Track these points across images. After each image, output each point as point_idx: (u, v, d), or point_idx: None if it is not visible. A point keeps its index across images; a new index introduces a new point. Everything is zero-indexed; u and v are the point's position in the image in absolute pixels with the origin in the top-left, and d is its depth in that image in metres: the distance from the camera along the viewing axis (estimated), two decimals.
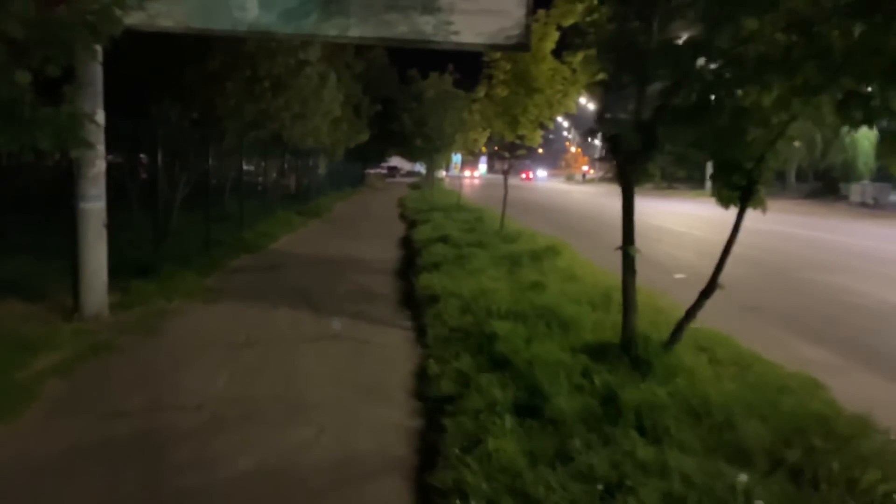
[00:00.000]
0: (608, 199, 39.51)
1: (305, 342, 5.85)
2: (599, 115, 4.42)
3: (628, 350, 4.47)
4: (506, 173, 12.65)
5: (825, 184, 45.74)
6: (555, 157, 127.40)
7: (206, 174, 11.12)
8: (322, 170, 25.17)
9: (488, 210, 18.58)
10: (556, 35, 10.61)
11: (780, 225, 21.30)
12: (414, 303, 7.29)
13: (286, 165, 18.15)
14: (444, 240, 11.04)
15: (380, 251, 12.13)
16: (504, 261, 8.84)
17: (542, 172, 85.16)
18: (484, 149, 59.29)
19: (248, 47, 11.38)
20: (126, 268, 7.94)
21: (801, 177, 53.06)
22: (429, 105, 32.15)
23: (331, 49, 18.91)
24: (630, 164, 4.48)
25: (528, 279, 7.32)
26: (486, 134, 18.72)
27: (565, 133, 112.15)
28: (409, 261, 10.58)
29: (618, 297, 6.70)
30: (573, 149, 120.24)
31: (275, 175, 17.95)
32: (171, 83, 10.67)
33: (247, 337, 5.94)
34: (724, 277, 4.51)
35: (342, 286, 8.52)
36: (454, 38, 6.60)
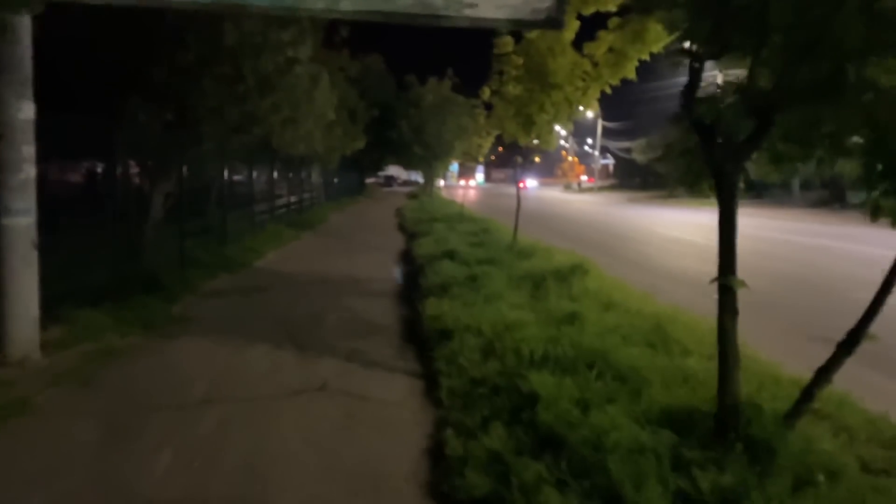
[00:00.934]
0: (611, 208, 38.30)
1: (284, 398, 4.53)
2: (687, 95, 3.16)
3: (730, 424, 3.16)
4: (518, 184, 11.35)
5: (832, 192, 44.60)
6: (550, 166, 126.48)
7: (181, 183, 9.82)
8: (316, 179, 23.87)
9: (493, 221, 17.29)
10: (576, 24, 9.39)
11: (803, 236, 20.08)
12: (421, 337, 5.98)
13: (276, 174, 16.85)
14: (451, 255, 9.74)
15: (378, 268, 10.82)
16: (524, 282, 7.54)
17: (531, 181, 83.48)
18: (481, 157, 57.78)
19: (228, 40, 10.10)
20: (79, 294, 6.63)
21: (805, 185, 52.02)
22: (427, 111, 30.96)
23: (325, 52, 17.70)
24: (732, 162, 3.18)
25: (559, 308, 6.01)
26: (490, 139, 17.52)
27: (562, 142, 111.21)
28: (412, 280, 9.28)
29: (673, 330, 5.42)
30: (570, 158, 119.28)
31: (264, 184, 16.66)
32: (140, 79, 9.40)
33: (208, 390, 4.62)
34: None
35: (333, 314, 7.20)
36: (469, 13, 5.31)
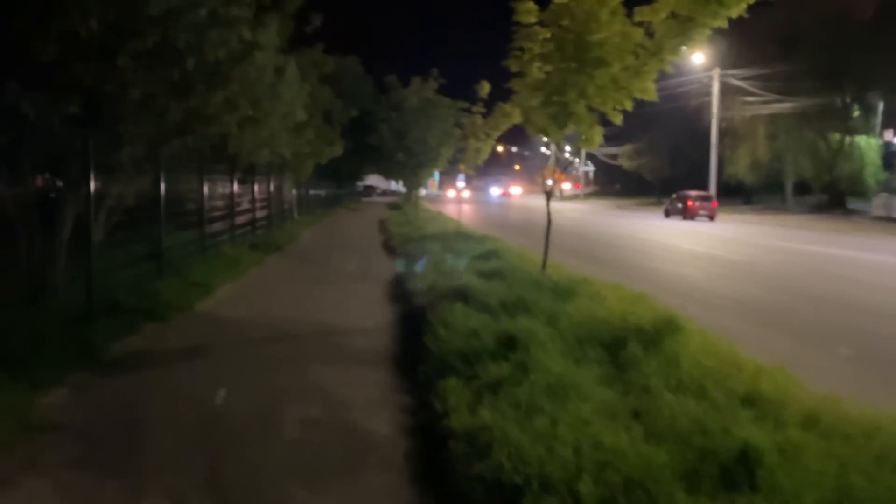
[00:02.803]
0: (604, 217, 35.63)
1: None
2: None
3: None
4: (549, 194, 8.69)
5: (831, 197, 42.77)
6: (531, 173, 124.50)
7: (87, 199, 7.11)
8: (287, 190, 21.08)
9: (495, 238, 14.71)
10: None
11: (817, 245, 17.79)
12: (451, 492, 3.30)
13: (235, 186, 14.09)
14: (464, 295, 7.12)
15: (361, 310, 8.14)
16: (589, 347, 4.94)
17: (515, 189, 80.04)
18: (462, 166, 55.28)
19: (150, 10, 7.39)
20: None
21: (800, 189, 50.21)
22: (410, 115, 28.32)
23: (294, 45, 15.03)
24: None
25: (692, 415, 3.42)
26: (490, 142, 14.95)
27: (543, 149, 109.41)
28: (413, 333, 6.64)
29: None
30: (551, 164, 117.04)
31: (220, 199, 13.92)
32: (16, 55, 6.72)
33: None
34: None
35: (294, 412, 4.50)
36: None
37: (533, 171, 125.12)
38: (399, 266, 11.71)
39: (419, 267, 10.20)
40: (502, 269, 8.88)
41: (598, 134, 7.57)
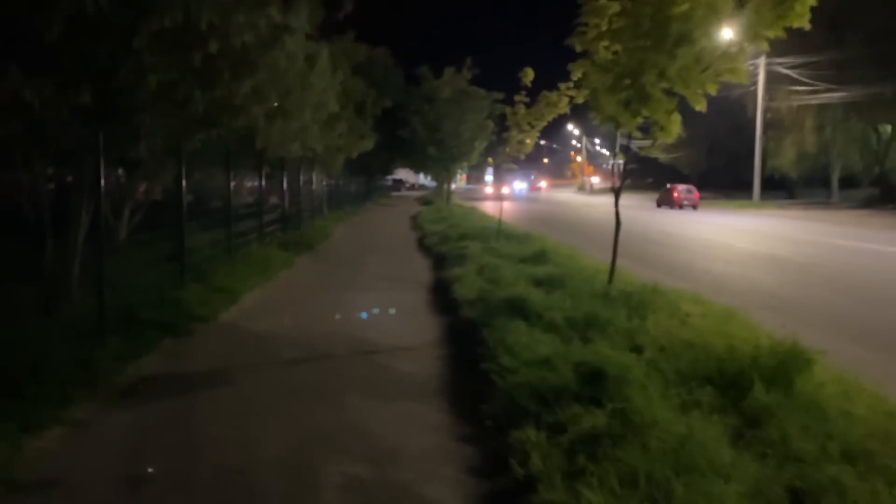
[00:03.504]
0: (644, 212, 33.90)
1: None
2: None
3: None
4: (618, 192, 7.64)
5: (882, 191, 40.65)
6: (560, 167, 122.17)
7: (97, 194, 6.33)
8: (317, 186, 20.32)
9: (539, 237, 13.73)
10: None
11: (887, 245, 16.34)
12: None
13: (264, 182, 13.30)
14: (521, 309, 6.19)
15: (402, 324, 7.26)
16: (698, 388, 3.97)
17: (518, 184, 75.24)
18: (490, 159, 54.02)
19: None
20: None
21: (845, 184, 48.04)
22: (443, 107, 27.45)
23: (325, 33, 14.17)
24: None
25: None
26: (535, 133, 13.96)
27: (574, 142, 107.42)
28: (463, 352, 5.74)
29: None
30: (578, 158, 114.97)
31: (248, 195, 13.18)
32: (17, 37, 5.96)
33: None
34: None
35: (332, 467, 3.60)
36: None
37: (561, 165, 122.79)
38: (438, 269, 10.82)
39: (461, 270, 9.29)
40: (558, 275, 7.91)
41: (676, 122, 6.54)
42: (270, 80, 10.70)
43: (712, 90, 6.36)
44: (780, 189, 50.06)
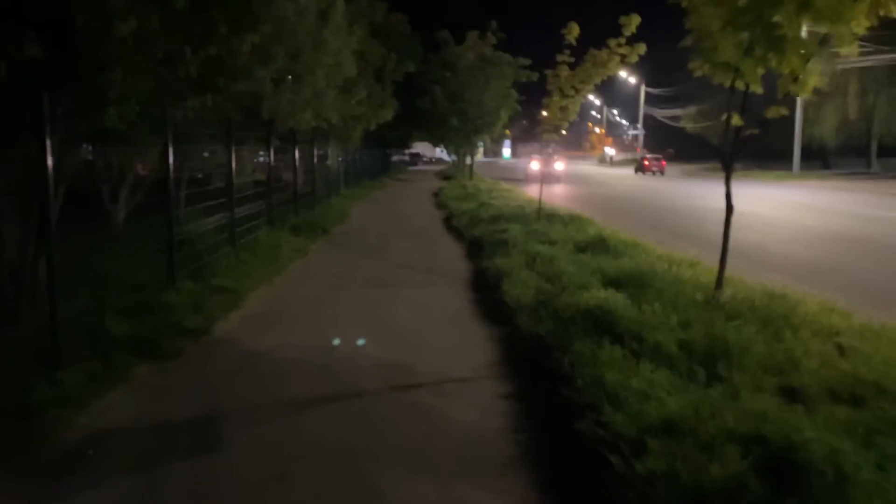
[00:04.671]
0: (679, 186, 31.43)
1: None
2: None
3: None
4: (729, 169, 5.71)
5: None
6: (577, 139, 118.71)
7: (43, 180, 4.79)
8: (333, 160, 18.70)
9: (586, 218, 12.08)
10: None
11: None
12: None
13: (273, 158, 11.71)
14: (607, 324, 4.63)
15: (444, 339, 5.71)
16: None
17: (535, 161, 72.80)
18: (508, 131, 51.59)
19: None
20: None
21: (883, 153, 45.49)
22: (466, 74, 25.60)
23: None
24: None
25: None
26: (579, 99, 12.23)
27: (593, 112, 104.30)
28: (534, 387, 4.22)
29: None
30: (597, 129, 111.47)
31: (254, 173, 11.66)
32: None
33: None
34: None
35: None
36: None
37: (579, 137, 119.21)
38: (476, 258, 9.25)
39: (507, 262, 7.72)
40: (637, 273, 6.29)
41: (815, 72, 4.86)
42: (277, 37, 9.09)
43: (863, 26, 4.65)
44: (815, 159, 47.58)
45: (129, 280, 6.76)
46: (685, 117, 60.60)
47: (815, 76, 4.82)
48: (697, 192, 24.85)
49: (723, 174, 5.34)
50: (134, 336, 5.31)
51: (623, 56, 10.93)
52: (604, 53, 11.08)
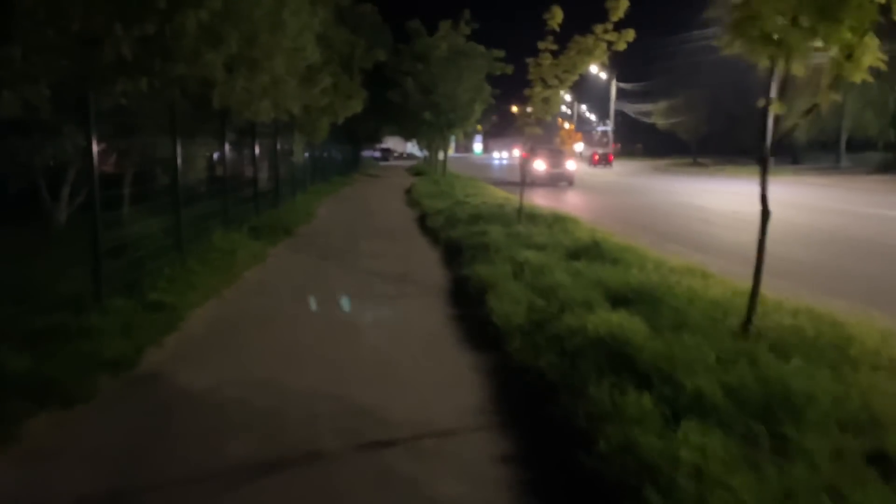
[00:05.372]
0: (654, 182, 30.47)
1: None
2: None
3: None
4: (765, 163, 4.86)
5: None
6: (548, 135, 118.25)
7: None
8: (298, 155, 17.59)
9: (571, 218, 11.23)
10: None
11: None
12: None
13: (226, 151, 10.58)
14: (626, 359, 3.74)
15: (425, 371, 4.75)
16: None
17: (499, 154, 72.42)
18: (479, 126, 50.57)
19: None
20: None
21: (852, 148, 45.78)
22: (438, 66, 24.60)
23: None
24: None
25: None
26: (563, 88, 11.34)
27: (563, 107, 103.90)
28: (541, 442, 3.31)
29: None
30: (566, 125, 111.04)
31: (205, 169, 10.54)
32: None
33: None
34: None
35: None
36: None
37: (549, 132, 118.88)
38: (454, 264, 8.32)
39: (491, 271, 6.81)
40: (647, 288, 5.41)
41: (873, 47, 4.00)
42: (229, 16, 8.03)
43: None
44: (784, 154, 47.69)
45: (54, 294, 5.71)
46: (656, 113, 60.46)
47: (872, 52, 3.96)
48: (673, 189, 24.25)
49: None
50: (36, 374, 4.25)
51: (610, 43, 10.07)
52: (589, 40, 10.19)
